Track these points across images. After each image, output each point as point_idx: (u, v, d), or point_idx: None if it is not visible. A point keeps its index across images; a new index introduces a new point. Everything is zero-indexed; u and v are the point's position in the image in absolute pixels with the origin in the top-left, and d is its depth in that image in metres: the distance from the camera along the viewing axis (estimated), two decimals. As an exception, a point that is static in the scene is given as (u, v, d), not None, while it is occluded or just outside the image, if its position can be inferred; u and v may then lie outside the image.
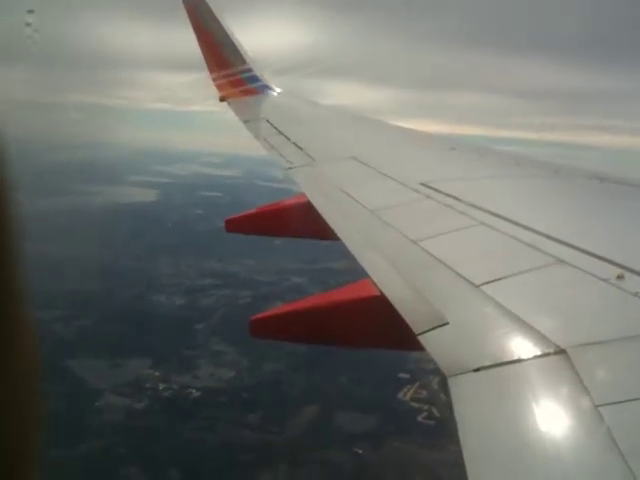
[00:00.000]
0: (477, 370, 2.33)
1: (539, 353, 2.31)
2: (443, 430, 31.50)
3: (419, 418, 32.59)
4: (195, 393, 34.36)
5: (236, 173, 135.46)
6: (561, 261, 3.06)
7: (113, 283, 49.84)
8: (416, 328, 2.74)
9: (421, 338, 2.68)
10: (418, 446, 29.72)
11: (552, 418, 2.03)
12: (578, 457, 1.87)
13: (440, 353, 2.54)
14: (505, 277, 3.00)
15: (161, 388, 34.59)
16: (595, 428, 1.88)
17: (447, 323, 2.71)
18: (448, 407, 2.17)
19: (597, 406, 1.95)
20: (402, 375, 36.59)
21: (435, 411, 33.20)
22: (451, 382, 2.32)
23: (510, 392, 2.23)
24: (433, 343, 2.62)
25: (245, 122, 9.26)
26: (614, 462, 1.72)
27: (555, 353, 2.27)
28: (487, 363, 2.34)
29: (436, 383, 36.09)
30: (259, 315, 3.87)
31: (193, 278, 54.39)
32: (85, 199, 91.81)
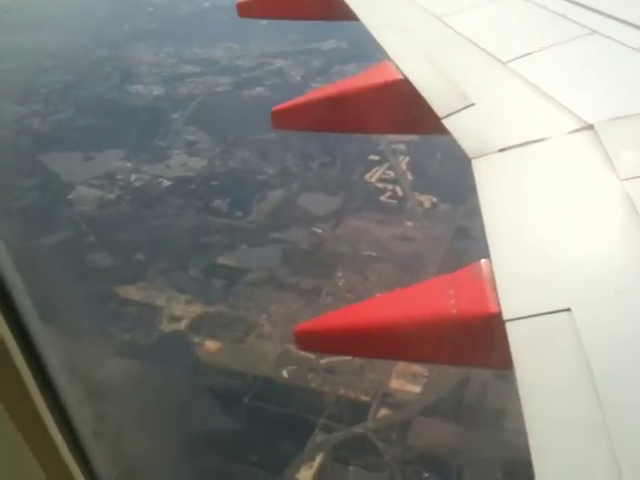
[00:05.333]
0: (502, 150, 2.28)
1: (566, 130, 2.24)
2: (403, 208, 32.57)
3: (382, 198, 33.31)
4: (166, 183, 35.16)
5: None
6: (594, 32, 2.84)
7: (90, 73, 48.61)
8: (440, 111, 2.66)
9: (445, 121, 2.59)
10: (376, 223, 30.84)
11: (577, 193, 2.03)
12: (602, 230, 1.92)
13: (464, 136, 2.47)
14: (534, 52, 2.85)
15: (133, 179, 35.40)
16: (620, 201, 1.89)
17: (472, 104, 2.61)
18: (472, 189, 2.15)
19: (622, 180, 1.94)
20: (372, 157, 36.75)
21: (399, 190, 33.92)
22: (475, 164, 2.27)
23: (535, 170, 2.20)
24: (457, 126, 2.54)
25: None
26: (635, 232, 1.77)
27: (582, 129, 2.20)
28: (512, 143, 2.29)
29: (405, 164, 36.37)
30: (280, 106, 3.79)
31: (172, 66, 52.35)
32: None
